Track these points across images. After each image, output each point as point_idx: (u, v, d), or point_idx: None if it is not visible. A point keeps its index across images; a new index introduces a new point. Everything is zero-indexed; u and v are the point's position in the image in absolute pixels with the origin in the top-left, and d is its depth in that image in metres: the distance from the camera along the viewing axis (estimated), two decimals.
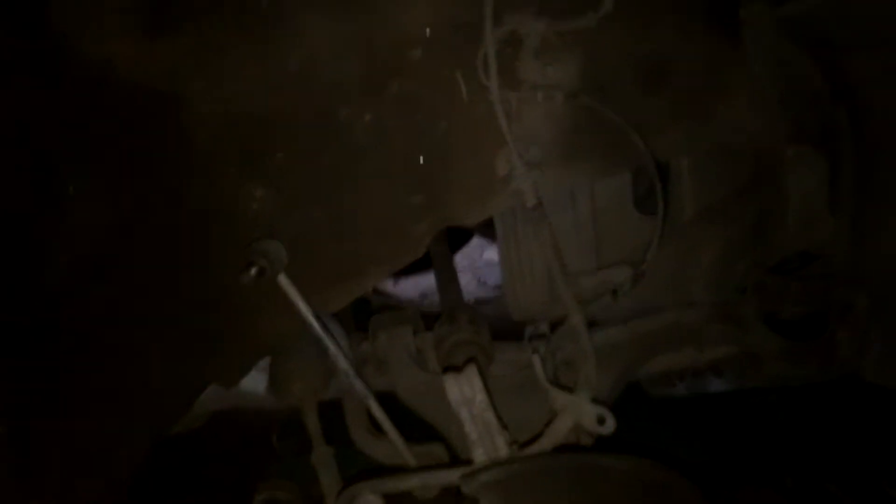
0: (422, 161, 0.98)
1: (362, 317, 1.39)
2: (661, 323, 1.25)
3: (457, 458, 1.05)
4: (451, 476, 0.75)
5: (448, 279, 1.49)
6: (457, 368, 0.81)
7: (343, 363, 0.99)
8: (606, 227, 1.16)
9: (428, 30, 0.93)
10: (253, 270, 0.90)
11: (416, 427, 1.17)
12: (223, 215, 1.00)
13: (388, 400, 1.17)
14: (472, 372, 0.80)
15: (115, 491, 1.00)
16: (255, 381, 1.40)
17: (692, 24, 1.04)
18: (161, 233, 0.99)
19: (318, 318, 1.00)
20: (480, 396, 0.78)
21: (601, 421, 0.83)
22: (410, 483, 0.82)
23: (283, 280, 0.94)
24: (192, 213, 1.00)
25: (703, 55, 1.04)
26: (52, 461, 0.94)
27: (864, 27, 1.06)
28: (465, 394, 0.78)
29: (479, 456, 0.78)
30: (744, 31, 1.05)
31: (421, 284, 2.50)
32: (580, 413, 0.84)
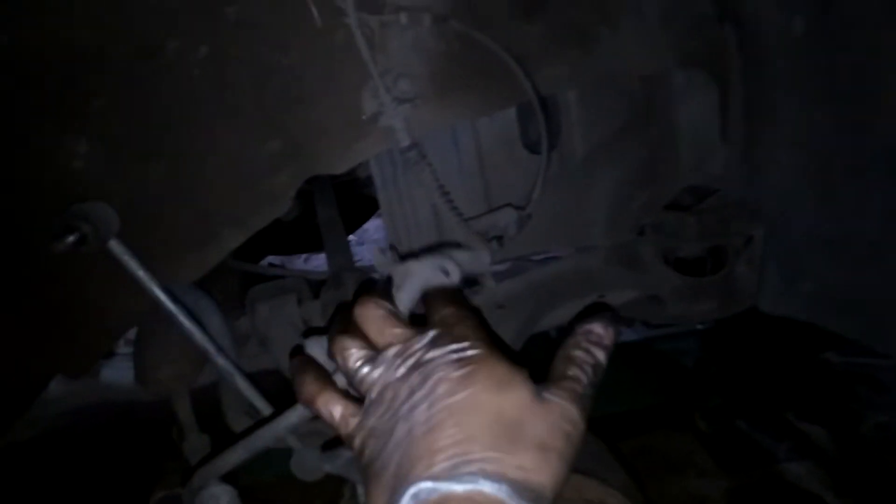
0: (273, 100, 0.85)
1: None
2: (558, 270, 1.19)
3: None
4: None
5: (336, 243, 1.37)
6: (321, 330, 0.71)
7: (199, 339, 0.86)
8: (494, 169, 1.08)
9: None
10: (70, 238, 0.75)
11: None
12: (42, 176, 0.84)
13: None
14: None
15: None
16: (121, 371, 1.25)
17: None
18: None
19: (168, 291, 0.87)
20: None
21: (445, 273, 0.70)
22: (239, 455, 0.70)
23: (114, 246, 0.80)
24: (4, 174, 0.83)
25: None
26: None
27: None
28: None
29: None
30: None
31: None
32: (422, 271, 0.69)
